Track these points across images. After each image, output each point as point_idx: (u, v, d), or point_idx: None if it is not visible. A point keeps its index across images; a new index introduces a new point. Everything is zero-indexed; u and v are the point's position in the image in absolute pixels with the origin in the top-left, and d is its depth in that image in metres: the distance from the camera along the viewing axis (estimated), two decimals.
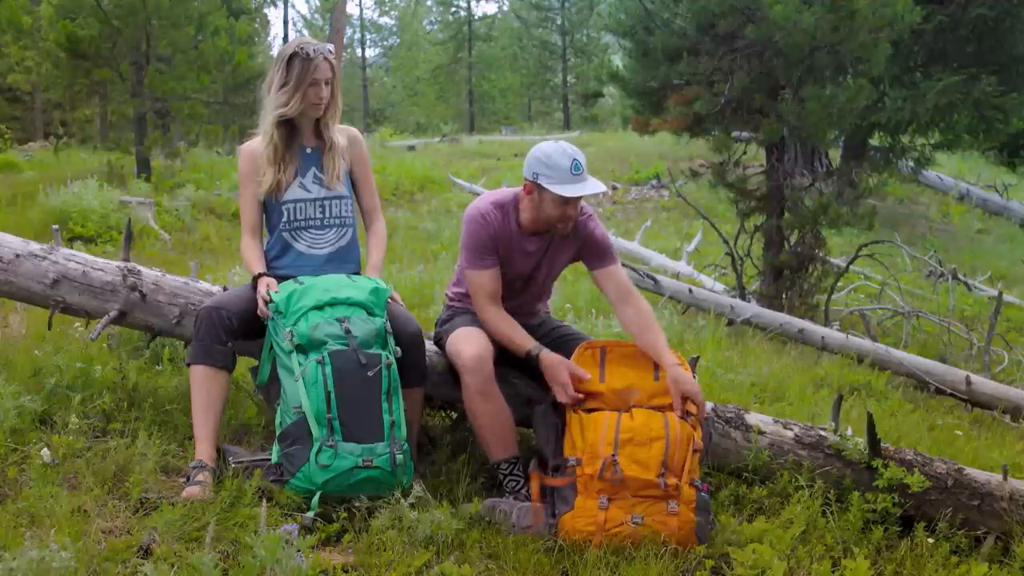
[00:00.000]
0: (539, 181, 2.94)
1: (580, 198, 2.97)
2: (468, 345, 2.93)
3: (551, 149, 2.96)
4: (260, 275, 2.93)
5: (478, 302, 3.06)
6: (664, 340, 2.97)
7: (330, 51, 3.03)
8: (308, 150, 3.10)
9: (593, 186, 2.96)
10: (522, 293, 3.21)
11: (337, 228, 3.10)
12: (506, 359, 3.16)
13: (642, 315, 3.03)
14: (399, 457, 2.66)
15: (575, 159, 2.93)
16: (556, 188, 2.90)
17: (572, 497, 2.69)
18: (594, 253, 3.13)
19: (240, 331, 2.85)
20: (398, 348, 2.83)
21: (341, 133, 3.15)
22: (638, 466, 2.66)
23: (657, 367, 2.91)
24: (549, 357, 2.93)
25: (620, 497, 2.66)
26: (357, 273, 3.09)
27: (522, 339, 3.01)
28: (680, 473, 2.69)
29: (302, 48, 2.97)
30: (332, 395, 2.62)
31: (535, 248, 3.12)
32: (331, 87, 3.04)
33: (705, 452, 2.89)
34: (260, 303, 2.82)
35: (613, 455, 2.66)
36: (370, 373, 2.67)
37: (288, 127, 3.05)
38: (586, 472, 2.68)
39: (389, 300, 2.94)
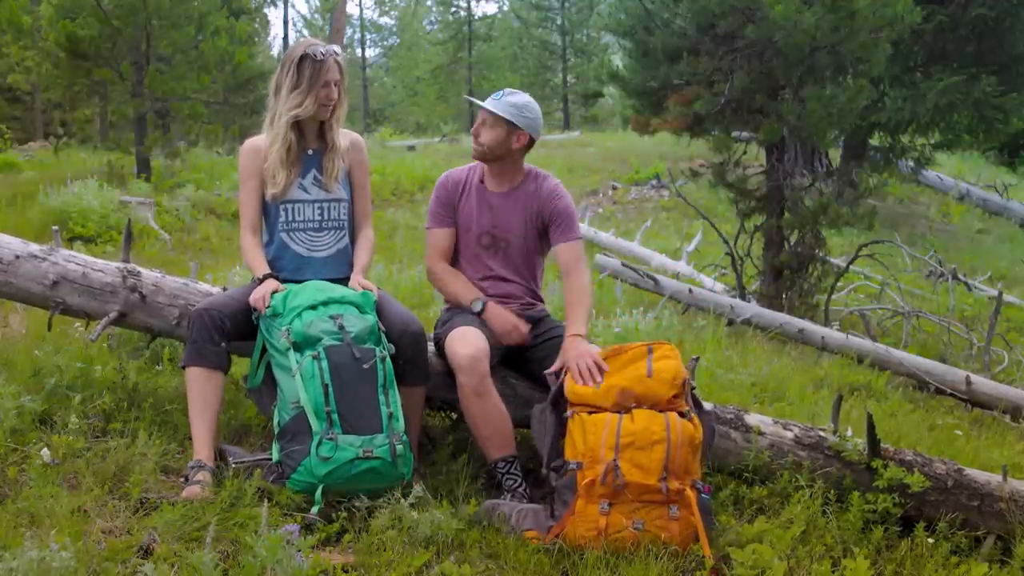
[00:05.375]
0: None
1: (485, 119, 3.17)
2: (463, 345, 2.94)
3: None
4: (268, 276, 2.95)
5: (429, 255, 3.32)
6: (584, 313, 3.11)
7: (338, 52, 3.06)
8: (310, 152, 3.11)
9: (488, 103, 3.17)
10: (494, 255, 3.26)
11: (335, 231, 3.12)
12: (506, 361, 3.16)
13: (575, 289, 3.15)
14: (399, 448, 2.67)
15: (506, 89, 3.25)
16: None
17: (571, 499, 2.68)
18: (556, 227, 3.26)
19: (234, 332, 2.86)
20: (392, 345, 2.85)
21: (344, 136, 3.17)
22: (640, 471, 2.64)
23: (650, 361, 2.88)
24: (493, 308, 3.14)
25: (621, 502, 2.64)
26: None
27: (466, 292, 3.21)
28: (682, 476, 2.67)
29: (312, 50, 2.99)
30: (330, 388, 2.63)
31: (497, 201, 3.27)
32: (339, 88, 3.06)
33: (707, 448, 2.87)
34: (259, 297, 2.83)
35: (614, 460, 2.64)
36: (365, 366, 2.70)
37: (297, 129, 3.07)
38: (587, 476, 2.66)
39: (384, 298, 3.00)
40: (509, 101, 3.16)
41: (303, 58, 2.99)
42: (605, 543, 2.61)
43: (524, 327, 3.14)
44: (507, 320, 3.13)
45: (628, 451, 2.66)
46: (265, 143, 3.07)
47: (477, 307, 3.15)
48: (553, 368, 2.98)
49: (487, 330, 3.08)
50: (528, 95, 3.22)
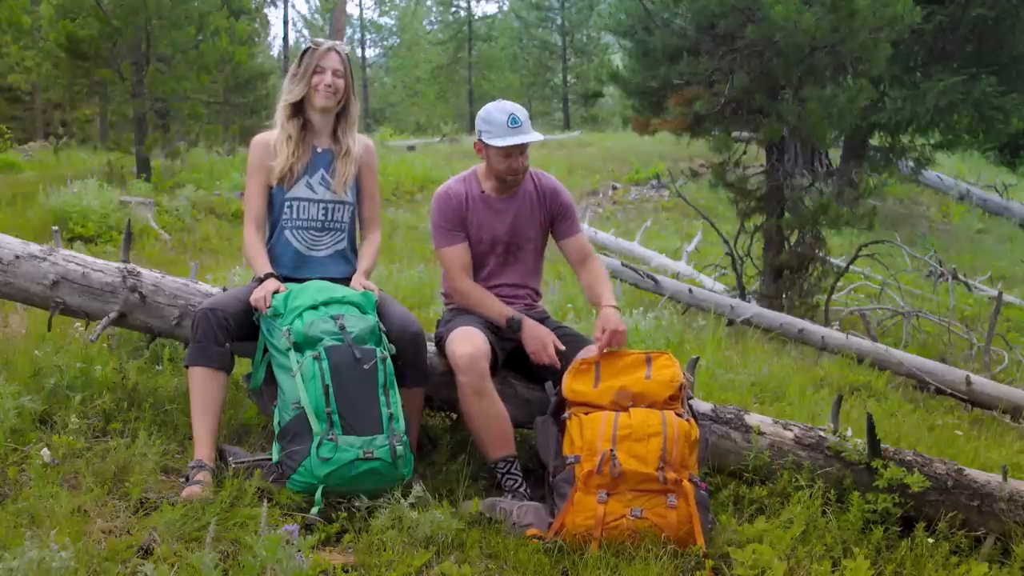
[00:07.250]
0: (482, 138, 3.11)
1: (523, 150, 3.12)
2: (462, 345, 2.94)
3: (491, 107, 3.14)
4: (270, 275, 2.96)
5: (452, 276, 3.20)
6: (609, 291, 3.18)
7: (343, 46, 3.12)
8: (319, 150, 3.13)
9: (530, 136, 3.08)
10: (507, 263, 3.25)
11: (335, 232, 3.13)
12: (507, 361, 3.16)
13: (595, 273, 3.25)
14: (399, 448, 2.67)
15: (512, 113, 3.08)
16: (495, 141, 3.05)
17: (570, 492, 2.69)
18: (563, 222, 3.30)
19: (237, 332, 2.86)
20: (392, 346, 2.85)
21: (358, 142, 3.18)
22: (636, 460, 2.68)
23: (649, 367, 2.92)
24: (530, 325, 3.08)
25: (619, 491, 2.67)
26: (349, 279, 3.11)
27: (500, 308, 3.14)
28: (679, 468, 2.70)
29: (314, 41, 3.09)
30: (331, 389, 2.63)
31: (504, 207, 3.23)
32: (345, 85, 3.10)
33: (702, 455, 2.89)
34: (261, 297, 2.82)
35: (611, 450, 2.68)
36: (366, 366, 2.70)
37: (300, 121, 3.10)
38: (585, 468, 2.69)
39: (384, 299, 3.00)
40: (530, 122, 3.13)
41: (304, 51, 3.09)
42: (603, 533, 2.62)
43: (553, 350, 3.04)
44: (540, 339, 3.06)
45: (625, 442, 2.70)
46: (273, 137, 3.11)
47: (516, 326, 3.09)
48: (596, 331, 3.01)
49: (489, 332, 3.08)
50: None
